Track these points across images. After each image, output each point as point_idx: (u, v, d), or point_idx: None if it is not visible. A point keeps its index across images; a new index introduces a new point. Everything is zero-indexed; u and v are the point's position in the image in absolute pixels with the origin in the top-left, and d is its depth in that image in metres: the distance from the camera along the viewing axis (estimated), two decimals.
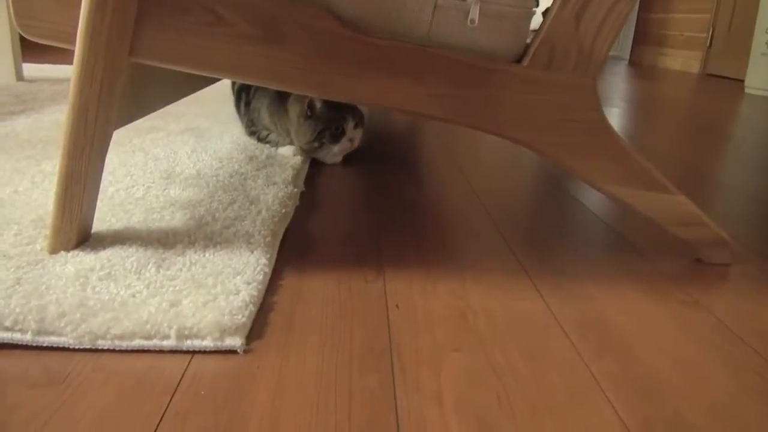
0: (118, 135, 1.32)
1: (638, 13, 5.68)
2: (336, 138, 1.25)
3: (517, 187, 1.25)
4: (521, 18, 0.74)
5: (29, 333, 0.55)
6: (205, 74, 0.71)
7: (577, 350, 0.62)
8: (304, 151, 1.27)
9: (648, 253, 0.89)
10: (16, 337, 0.55)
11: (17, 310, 0.57)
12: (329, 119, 1.22)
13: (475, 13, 0.71)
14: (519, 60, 0.74)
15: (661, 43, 5.26)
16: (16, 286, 0.61)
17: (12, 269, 0.65)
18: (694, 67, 4.70)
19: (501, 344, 0.62)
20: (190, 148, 1.25)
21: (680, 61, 4.93)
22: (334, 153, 1.28)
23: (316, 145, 1.24)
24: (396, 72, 0.71)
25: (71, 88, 0.66)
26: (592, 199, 1.15)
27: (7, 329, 0.55)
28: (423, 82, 0.72)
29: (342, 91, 0.72)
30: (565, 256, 0.87)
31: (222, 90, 1.92)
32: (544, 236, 0.95)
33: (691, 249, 0.87)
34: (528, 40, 0.76)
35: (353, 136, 1.27)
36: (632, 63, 5.54)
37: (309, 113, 1.22)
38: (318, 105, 1.21)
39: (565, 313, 0.69)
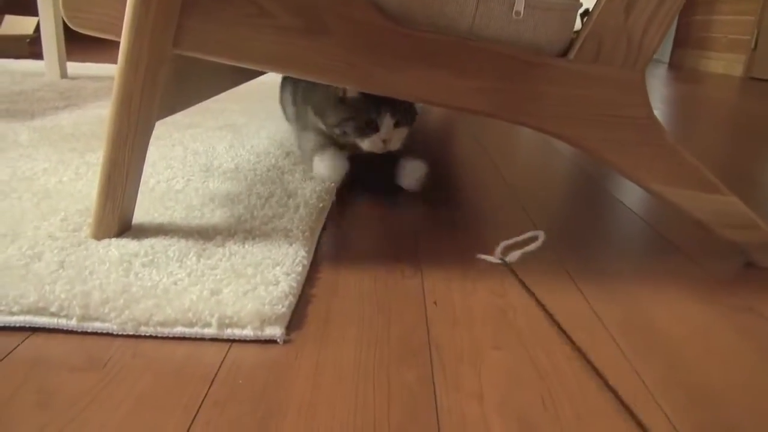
0: (159, 130, 1.33)
1: (679, 15, 5.54)
2: (362, 132, 1.01)
3: (557, 187, 1.22)
4: (568, 10, 0.72)
5: (74, 319, 0.56)
6: (247, 66, 0.71)
7: (622, 352, 0.59)
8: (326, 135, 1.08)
9: (695, 255, 0.86)
10: (62, 322, 0.56)
11: (62, 296, 0.57)
12: (358, 109, 1.00)
13: (520, 5, 0.69)
14: (565, 53, 0.72)
15: (703, 45, 5.11)
16: (60, 270, 0.62)
17: (56, 250, 0.66)
18: (737, 70, 4.55)
19: (543, 344, 0.60)
20: (228, 143, 1.26)
21: (722, 64, 4.79)
22: (364, 148, 1.03)
23: (337, 132, 1.03)
24: (438, 65, 0.70)
25: (116, 78, 0.67)
26: (634, 199, 1.12)
27: (53, 315, 0.56)
28: (466, 75, 0.71)
29: (383, 83, 0.71)
30: (607, 256, 0.84)
31: (258, 88, 1.94)
32: (585, 236, 0.92)
33: (741, 252, 0.83)
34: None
35: (389, 137, 1.01)
36: (672, 66, 5.40)
37: (341, 94, 1.02)
38: (351, 91, 1.01)
39: (609, 314, 0.67)
